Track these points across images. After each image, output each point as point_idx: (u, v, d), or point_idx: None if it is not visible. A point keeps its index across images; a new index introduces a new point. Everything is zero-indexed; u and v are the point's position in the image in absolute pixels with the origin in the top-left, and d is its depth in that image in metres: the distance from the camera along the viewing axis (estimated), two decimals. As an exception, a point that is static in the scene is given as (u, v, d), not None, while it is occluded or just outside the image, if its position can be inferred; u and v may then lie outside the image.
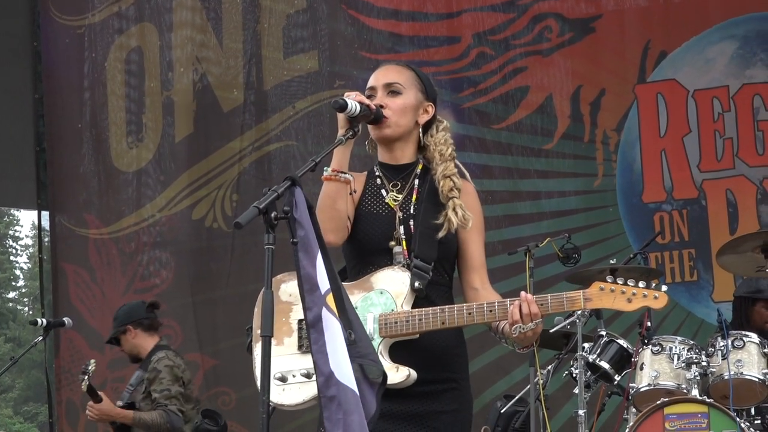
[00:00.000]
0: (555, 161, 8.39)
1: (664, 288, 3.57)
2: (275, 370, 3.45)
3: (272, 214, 3.00)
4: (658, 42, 8.29)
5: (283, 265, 3.08)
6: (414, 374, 3.53)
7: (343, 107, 3.53)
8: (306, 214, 3.06)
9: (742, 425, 5.40)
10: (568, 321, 6.05)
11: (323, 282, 3.05)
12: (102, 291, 9.34)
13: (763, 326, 6.53)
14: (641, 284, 3.56)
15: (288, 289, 3.59)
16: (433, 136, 3.81)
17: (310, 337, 3.00)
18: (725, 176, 8.07)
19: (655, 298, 3.54)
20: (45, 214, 9.83)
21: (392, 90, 3.76)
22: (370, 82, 3.80)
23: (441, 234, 3.66)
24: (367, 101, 3.64)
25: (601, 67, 8.43)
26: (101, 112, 9.56)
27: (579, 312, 6.01)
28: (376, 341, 3.54)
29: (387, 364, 3.51)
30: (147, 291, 9.18)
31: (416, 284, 3.60)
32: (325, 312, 3.02)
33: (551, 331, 6.13)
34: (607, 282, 3.56)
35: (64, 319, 7.31)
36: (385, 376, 3.19)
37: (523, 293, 3.53)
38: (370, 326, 3.56)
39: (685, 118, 8.19)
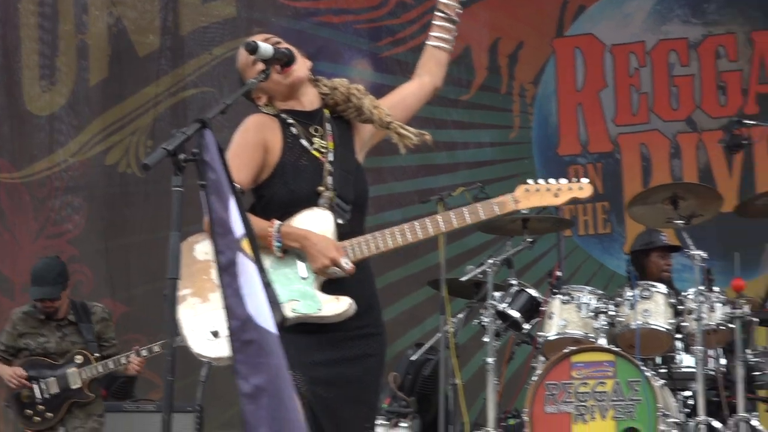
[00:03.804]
0: (472, 112, 8.42)
1: (585, 180, 3.70)
2: (207, 327, 3.44)
3: (181, 156, 2.96)
4: (576, -5, 8.34)
5: (196, 209, 3.04)
6: (354, 304, 3.57)
7: (255, 49, 3.50)
8: (217, 156, 3.01)
9: (647, 374, 5.49)
10: (479, 269, 6.09)
11: (237, 226, 3.01)
12: (13, 235, 9.20)
13: (660, 275, 6.65)
14: (563, 180, 3.70)
15: (202, 248, 3.56)
16: (326, 82, 3.80)
17: (222, 281, 2.97)
18: (640, 130, 8.17)
19: (581, 188, 3.68)
20: (-46, 157, 9.65)
21: (274, 41, 3.70)
22: None
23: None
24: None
25: (520, 20, 8.46)
26: (14, 55, 9.37)
27: (491, 261, 6.07)
28: (310, 278, 3.57)
29: (326, 297, 3.56)
30: (59, 236, 9.08)
31: (338, 221, 3.63)
32: (240, 256, 2.99)
33: (463, 279, 6.18)
34: (530, 183, 3.68)
35: (-28, 263, 7.18)
36: (284, 321, 3.20)
37: None
38: (302, 265, 3.59)
39: (601, 73, 8.28)
